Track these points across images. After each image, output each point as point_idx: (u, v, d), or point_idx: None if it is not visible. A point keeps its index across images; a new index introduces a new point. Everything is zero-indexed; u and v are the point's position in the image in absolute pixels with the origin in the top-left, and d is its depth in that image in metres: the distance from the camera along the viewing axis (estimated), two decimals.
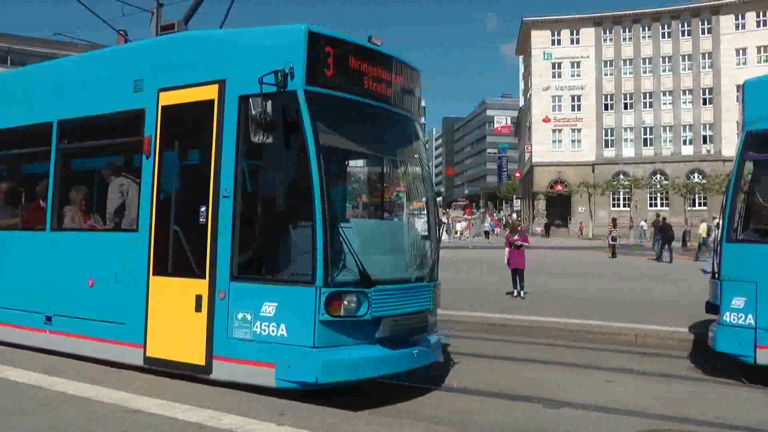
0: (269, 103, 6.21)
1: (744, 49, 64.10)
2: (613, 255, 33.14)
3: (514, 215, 72.23)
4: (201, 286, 6.72)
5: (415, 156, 7.74)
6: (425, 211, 7.71)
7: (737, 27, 64.77)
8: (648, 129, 68.33)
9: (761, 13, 63.86)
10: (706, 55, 66.12)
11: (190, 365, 6.75)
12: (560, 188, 69.81)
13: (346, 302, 6.26)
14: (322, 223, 6.16)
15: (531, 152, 72.66)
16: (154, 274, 7.10)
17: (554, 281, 19.97)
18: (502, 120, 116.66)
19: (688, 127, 67.02)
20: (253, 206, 6.76)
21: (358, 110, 6.98)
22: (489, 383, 6.75)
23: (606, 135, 69.78)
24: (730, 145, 60.66)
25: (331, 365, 6.21)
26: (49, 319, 8.13)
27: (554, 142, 70.80)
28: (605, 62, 69.81)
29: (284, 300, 6.28)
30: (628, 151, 68.82)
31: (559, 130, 70.60)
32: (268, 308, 6.33)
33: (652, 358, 9.70)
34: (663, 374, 8.68)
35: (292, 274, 6.44)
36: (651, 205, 65.34)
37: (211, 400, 5.94)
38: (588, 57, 69.89)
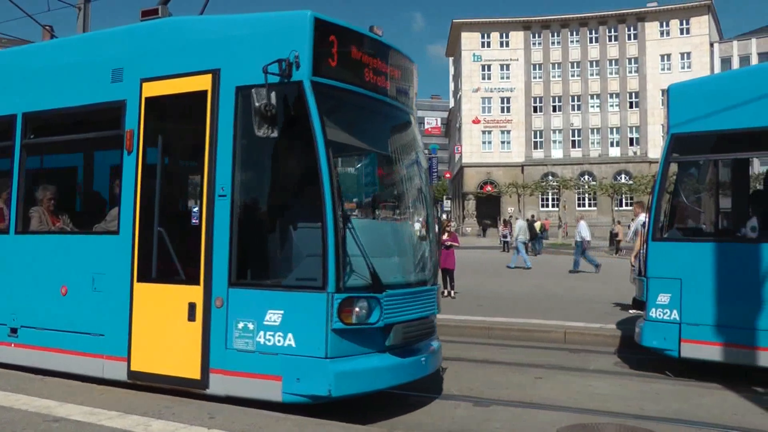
0: (272, 95, 5.75)
1: (668, 55, 66.71)
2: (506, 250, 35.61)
3: (444, 216, 72.82)
4: (194, 293, 6.19)
5: (414, 153, 7.41)
6: (424, 210, 7.39)
7: (662, 34, 67.36)
8: (576, 131, 70.15)
9: (684, 21, 66.64)
10: (632, 60, 68.46)
11: (182, 379, 6.21)
12: (490, 189, 70.85)
13: (357, 309, 5.87)
14: (333, 224, 5.74)
15: (461, 153, 73.44)
16: (138, 281, 6.52)
17: (484, 280, 20.06)
18: (432, 121, 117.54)
19: (614, 130, 69.19)
20: (253, 206, 6.29)
21: (362, 103, 6.60)
22: (420, 382, 6.65)
23: (535, 137, 71.23)
24: (655, 147, 63.12)
25: (345, 377, 5.80)
26: (14, 331, 7.40)
27: (484, 143, 71.82)
28: (534, 65, 71.27)
29: (292, 307, 5.84)
30: (557, 153, 70.47)
31: (489, 132, 71.67)
32: (273, 316, 5.87)
33: (580, 354, 9.83)
34: (590, 370, 8.81)
35: (299, 279, 5.99)
36: (579, 206, 67.07)
37: (139, 405, 5.81)
38: (517, 60, 71.23)
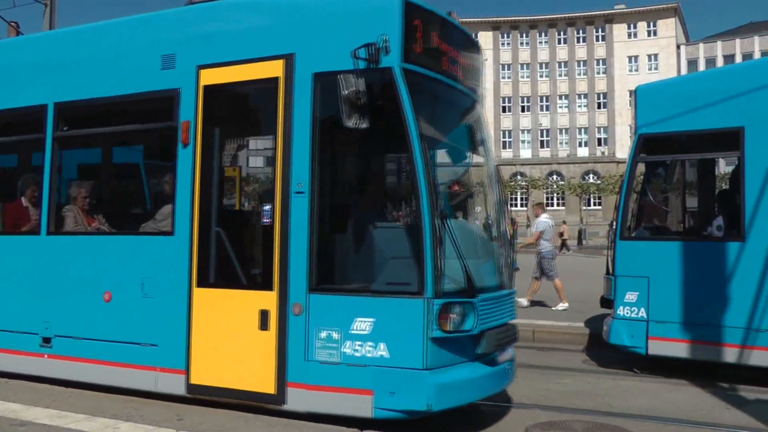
0: (361, 82, 5.26)
1: (636, 57, 67.65)
2: None
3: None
4: (267, 299, 5.64)
5: (486, 147, 6.97)
6: (500, 208, 6.95)
7: (629, 35, 68.33)
8: (544, 131, 70.67)
9: (651, 24, 67.68)
10: (601, 61, 69.28)
11: (254, 394, 5.65)
12: (457, 188, 70.75)
13: (454, 315, 5.37)
14: (430, 223, 5.24)
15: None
16: (198, 286, 5.93)
17: None
18: None
19: (583, 130, 69.88)
20: (335, 203, 5.77)
21: (444, 93, 6.12)
22: None
23: (503, 137, 71.51)
24: (623, 147, 63.80)
25: (444, 389, 5.30)
26: (47, 340, 6.72)
27: None
28: (503, 65, 71.60)
29: (384, 314, 5.32)
30: (525, 153, 70.88)
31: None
32: (362, 324, 5.35)
33: (549, 353, 9.82)
34: (559, 368, 8.78)
35: (391, 283, 5.47)
36: (548, 205, 67.40)
37: (107, 407, 5.74)
38: (486, 60, 70.83)
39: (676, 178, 9.16)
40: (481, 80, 6.91)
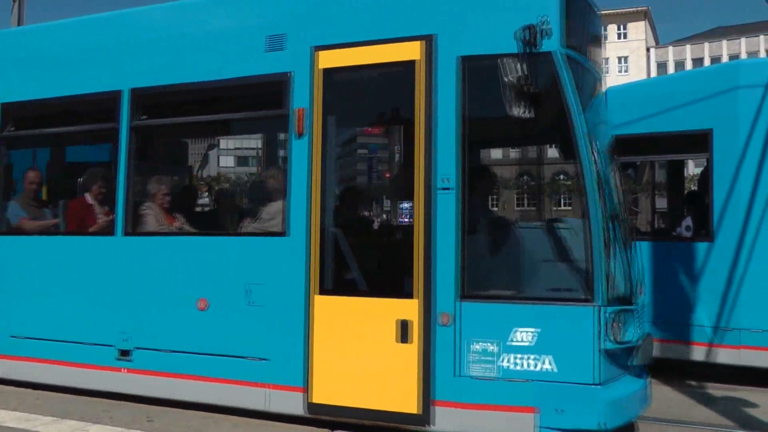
0: (521, 68, 4.74)
1: (606, 59, 68.21)
2: None
3: (384, 216, 72.19)
4: (407, 308, 5.04)
5: (611, 144, 6.49)
6: (624, 204, 6.46)
7: None
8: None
9: (622, 26, 68.37)
10: None
11: (392, 414, 5.05)
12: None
13: (619, 324, 4.87)
14: (599, 223, 4.76)
15: (401, 153, 72.86)
16: (320, 293, 5.30)
17: None
18: None
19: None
20: (487, 200, 5.23)
21: (590, 81, 5.61)
22: None
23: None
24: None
25: (615, 405, 4.78)
26: (125, 353, 6.01)
27: None
28: None
29: (550, 324, 4.77)
30: (496, 153, 70.86)
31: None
32: (524, 335, 4.80)
33: None
34: None
35: (554, 289, 4.95)
36: (518, 206, 67.65)
37: (75, 410, 5.65)
38: None
39: (646, 179, 9.29)
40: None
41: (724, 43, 62.39)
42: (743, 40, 61.02)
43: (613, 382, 4.88)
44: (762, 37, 60.13)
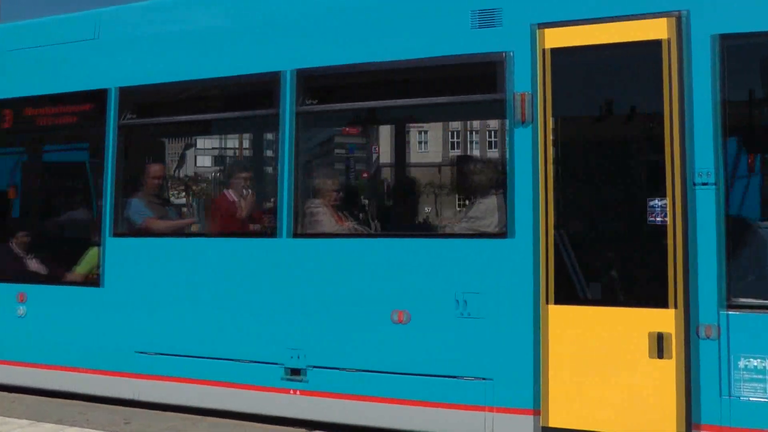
0: None
1: None
2: None
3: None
4: (663, 318, 4.43)
5: None
6: None
7: None
8: (493, 132, 70.94)
9: None
10: None
11: None
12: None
13: None
14: None
15: (378, 153, 72.28)
16: (555, 302, 4.66)
17: None
18: None
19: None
20: (750, 196, 4.65)
21: None
22: None
23: (452, 137, 71.31)
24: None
25: None
26: (295, 372, 5.27)
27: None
28: None
29: None
30: (474, 153, 70.98)
31: (407, 132, 70.96)
32: None
33: None
34: None
35: None
36: None
37: (52, 412, 5.62)
38: None
39: None
40: None
41: None
42: None
43: None
44: None
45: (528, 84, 4.79)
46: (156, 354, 5.77)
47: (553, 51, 4.77)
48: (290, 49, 5.48)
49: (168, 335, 5.73)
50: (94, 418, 5.47)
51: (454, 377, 4.86)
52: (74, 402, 5.87)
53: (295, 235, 5.34)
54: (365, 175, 7.31)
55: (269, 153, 6.32)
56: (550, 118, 4.74)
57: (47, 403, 5.88)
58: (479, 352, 4.80)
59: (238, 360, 5.46)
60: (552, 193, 4.68)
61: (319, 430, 5.10)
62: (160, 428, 5.19)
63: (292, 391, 5.29)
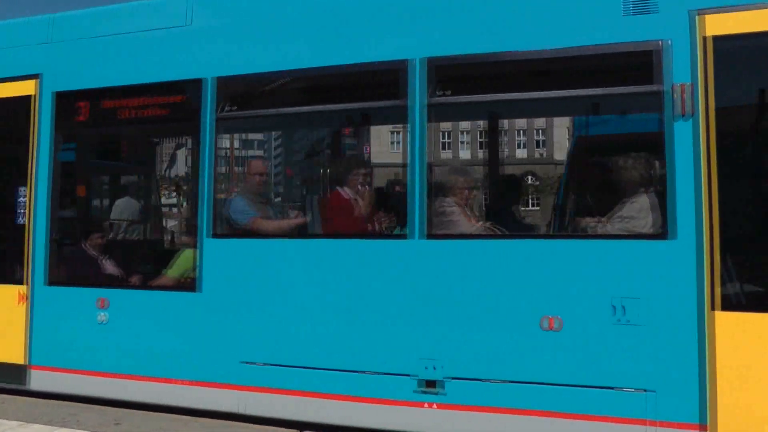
0: None
1: None
2: None
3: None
4: None
5: None
6: None
7: None
8: (483, 132, 70.89)
9: None
10: None
11: None
12: (398, 189, 69.83)
13: None
14: None
15: (370, 153, 71.93)
16: (721, 309, 4.35)
17: None
18: None
19: (521, 132, 70.52)
20: None
21: None
22: None
23: (443, 138, 71.11)
24: (560, 149, 64.87)
25: None
26: (431, 384, 4.92)
27: (392, 143, 70.49)
28: None
29: None
30: (465, 154, 70.76)
31: (397, 132, 70.53)
32: None
33: None
34: None
35: None
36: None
37: (42, 414, 5.61)
38: None
39: None
40: None
41: None
42: None
43: None
44: None
45: (688, 74, 4.49)
46: (265, 365, 5.38)
47: (715, 39, 4.47)
48: (419, 36, 5.12)
49: (278, 344, 5.35)
50: (85, 419, 5.47)
51: (611, 388, 4.54)
52: (65, 403, 5.85)
53: (429, 236, 4.99)
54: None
55: (395, 148, 5.97)
56: (713, 111, 4.43)
57: (37, 404, 5.86)
58: (640, 362, 4.48)
59: (361, 371, 5.09)
60: (717, 190, 4.38)
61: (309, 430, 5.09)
62: (151, 429, 5.20)
63: (426, 405, 4.93)
